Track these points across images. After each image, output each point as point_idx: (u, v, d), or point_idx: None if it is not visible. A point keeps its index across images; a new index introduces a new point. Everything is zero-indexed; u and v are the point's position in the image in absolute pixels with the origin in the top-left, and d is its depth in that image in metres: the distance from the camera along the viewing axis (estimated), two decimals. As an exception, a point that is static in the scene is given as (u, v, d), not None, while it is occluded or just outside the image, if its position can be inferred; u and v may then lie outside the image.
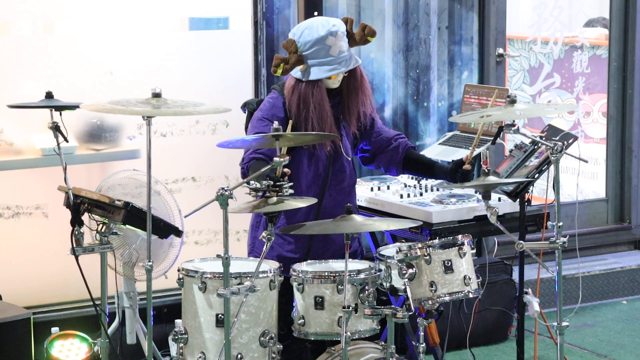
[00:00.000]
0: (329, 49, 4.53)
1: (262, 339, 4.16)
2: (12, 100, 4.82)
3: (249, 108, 4.87)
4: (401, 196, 5.10)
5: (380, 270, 4.30)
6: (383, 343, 4.21)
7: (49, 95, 4.54)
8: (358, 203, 5.08)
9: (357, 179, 4.96)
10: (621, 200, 7.15)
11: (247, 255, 4.74)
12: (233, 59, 5.63)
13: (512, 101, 4.27)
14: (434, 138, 6.20)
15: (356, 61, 4.61)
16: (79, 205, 4.39)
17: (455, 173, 4.65)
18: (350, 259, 4.20)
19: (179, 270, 4.28)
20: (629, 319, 6.41)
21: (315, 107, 4.55)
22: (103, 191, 4.85)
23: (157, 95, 4.13)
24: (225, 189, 3.86)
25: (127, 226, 4.48)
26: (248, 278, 4.06)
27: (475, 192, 5.09)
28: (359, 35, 4.64)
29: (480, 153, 4.94)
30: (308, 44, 4.53)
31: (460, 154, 5.38)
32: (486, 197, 4.19)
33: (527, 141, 4.97)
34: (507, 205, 5.04)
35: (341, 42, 4.55)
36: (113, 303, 4.96)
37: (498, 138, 4.49)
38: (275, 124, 4.09)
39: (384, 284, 4.32)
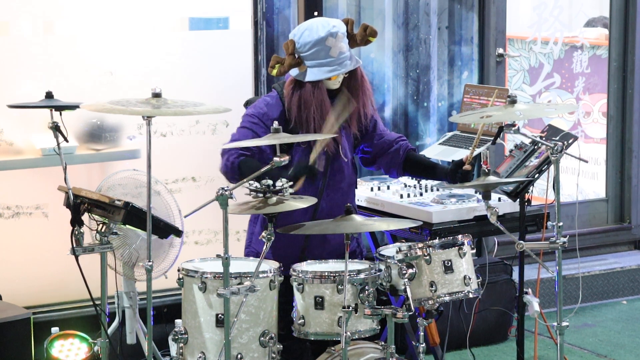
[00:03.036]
0: (329, 49, 4.53)
1: (262, 339, 4.16)
2: (12, 100, 4.82)
3: None
4: (401, 196, 5.10)
5: (380, 270, 4.30)
6: (383, 343, 4.21)
7: (49, 95, 4.53)
8: (358, 203, 5.08)
9: (357, 179, 4.95)
10: (621, 200, 7.15)
11: (243, 251, 4.74)
12: (233, 59, 5.63)
13: (513, 101, 4.27)
14: (434, 138, 6.20)
15: (356, 62, 4.61)
16: (79, 205, 4.39)
17: (455, 174, 4.64)
18: (350, 259, 4.20)
19: (179, 270, 4.28)
20: (629, 319, 6.41)
21: (316, 108, 4.54)
22: (103, 191, 4.85)
23: (157, 95, 4.13)
24: (225, 189, 3.86)
25: (127, 226, 4.48)
26: (248, 278, 4.06)
27: (475, 192, 5.10)
28: (360, 36, 4.64)
29: (480, 153, 4.94)
30: (308, 44, 4.53)
31: (460, 154, 5.38)
32: (486, 197, 4.19)
33: (527, 141, 4.96)
34: (507, 205, 5.04)
35: (341, 43, 4.55)
36: (113, 303, 4.96)
37: (498, 138, 4.49)
38: (275, 123, 4.10)
39: (384, 284, 4.31)
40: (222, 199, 3.86)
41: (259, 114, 4.58)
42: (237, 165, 4.44)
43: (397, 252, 4.23)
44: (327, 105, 4.56)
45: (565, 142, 4.68)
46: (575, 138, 4.90)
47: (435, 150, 5.62)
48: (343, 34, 4.56)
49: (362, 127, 4.76)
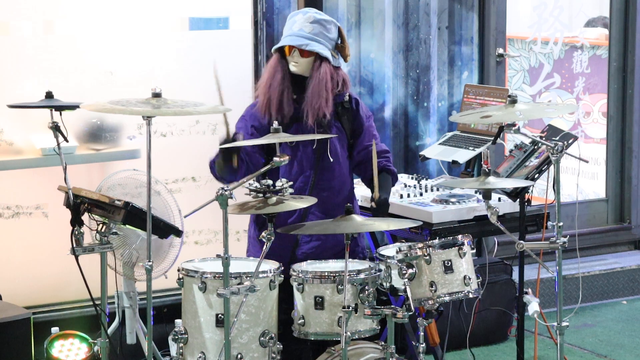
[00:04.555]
0: (293, 24, 4.55)
1: (262, 339, 4.16)
2: (12, 100, 4.82)
3: None
4: (401, 196, 5.10)
5: (380, 270, 4.30)
6: (383, 343, 4.21)
7: (49, 95, 4.53)
8: (359, 203, 5.07)
9: (357, 180, 4.93)
10: (621, 200, 7.15)
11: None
12: (233, 59, 5.63)
13: (513, 101, 4.26)
14: (434, 138, 6.20)
15: (311, 46, 4.50)
16: (79, 205, 4.39)
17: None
18: (350, 259, 4.20)
19: (179, 270, 4.28)
20: (629, 319, 6.41)
21: (267, 76, 4.58)
22: (103, 191, 4.85)
23: (157, 95, 4.13)
24: (225, 189, 3.86)
25: (127, 226, 4.48)
26: (248, 278, 4.06)
27: (476, 192, 5.09)
28: (343, 49, 4.61)
29: (480, 152, 4.95)
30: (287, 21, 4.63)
31: (461, 154, 5.39)
32: (487, 197, 4.19)
33: (527, 141, 4.97)
34: (507, 205, 5.04)
35: (307, 24, 4.53)
36: (113, 303, 4.96)
37: (498, 138, 4.49)
38: (275, 123, 4.09)
39: (384, 284, 4.32)
40: (222, 199, 3.86)
41: (245, 113, 4.69)
42: (214, 164, 4.50)
43: (397, 252, 4.24)
44: (278, 78, 4.55)
45: (565, 142, 4.68)
46: (575, 138, 4.90)
47: (435, 150, 5.62)
48: (316, 20, 4.53)
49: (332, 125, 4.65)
